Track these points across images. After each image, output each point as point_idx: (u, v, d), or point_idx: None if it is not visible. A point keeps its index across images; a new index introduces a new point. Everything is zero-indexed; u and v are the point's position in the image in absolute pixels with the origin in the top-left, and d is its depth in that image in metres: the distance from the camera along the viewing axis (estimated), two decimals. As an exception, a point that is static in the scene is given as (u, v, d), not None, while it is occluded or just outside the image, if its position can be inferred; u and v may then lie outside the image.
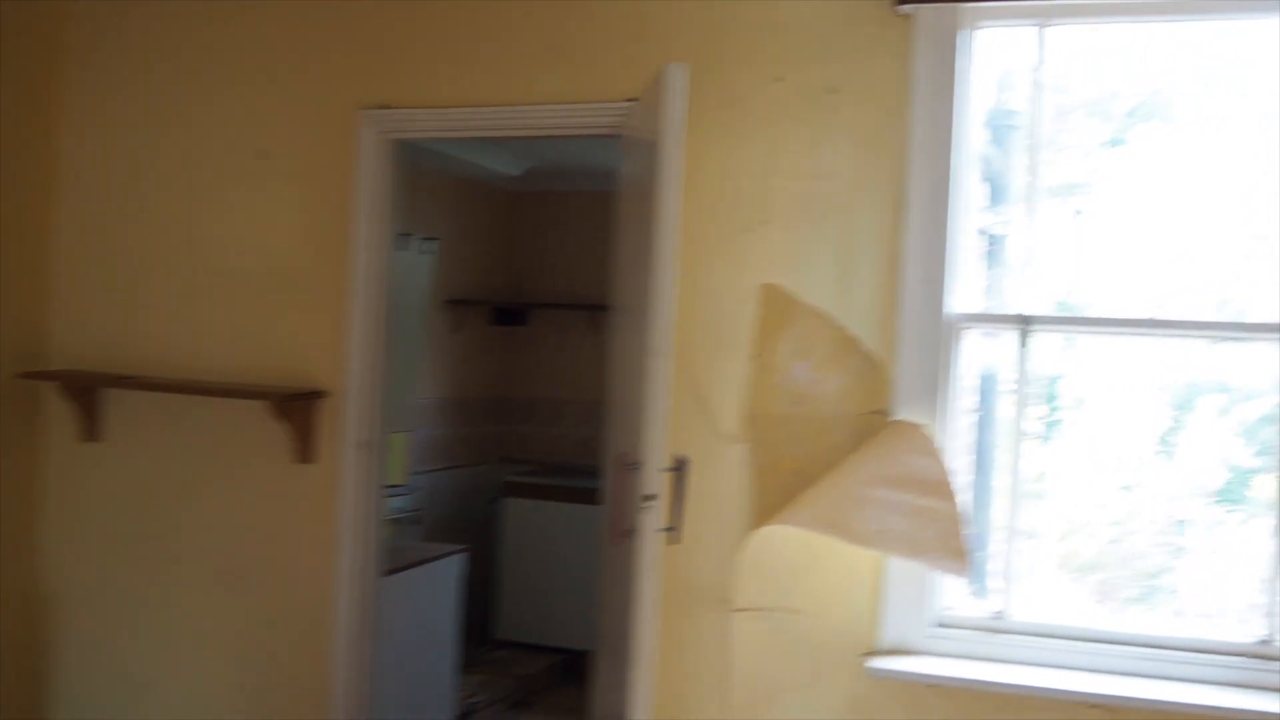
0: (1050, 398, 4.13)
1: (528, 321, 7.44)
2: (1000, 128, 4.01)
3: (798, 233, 3.93)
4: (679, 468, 3.42)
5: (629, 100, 4.04)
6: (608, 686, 3.88)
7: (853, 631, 3.85)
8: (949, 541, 3.53)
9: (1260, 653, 3.59)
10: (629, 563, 3.34)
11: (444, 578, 5.45)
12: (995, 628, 3.79)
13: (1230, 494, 4.66)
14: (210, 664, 4.66)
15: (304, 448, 4.43)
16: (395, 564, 4.90)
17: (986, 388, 3.99)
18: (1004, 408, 4.14)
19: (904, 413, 3.79)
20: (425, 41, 4.36)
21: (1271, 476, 3.83)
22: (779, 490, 3.89)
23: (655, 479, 3.28)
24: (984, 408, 4.00)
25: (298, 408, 4.40)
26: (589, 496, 6.62)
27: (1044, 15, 3.77)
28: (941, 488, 3.61)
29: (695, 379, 3.96)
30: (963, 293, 3.84)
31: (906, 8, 3.76)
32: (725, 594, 3.95)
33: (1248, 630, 3.68)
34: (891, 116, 3.83)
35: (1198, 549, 4.31)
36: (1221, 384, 4.29)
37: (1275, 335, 3.63)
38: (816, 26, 3.90)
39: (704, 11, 4.01)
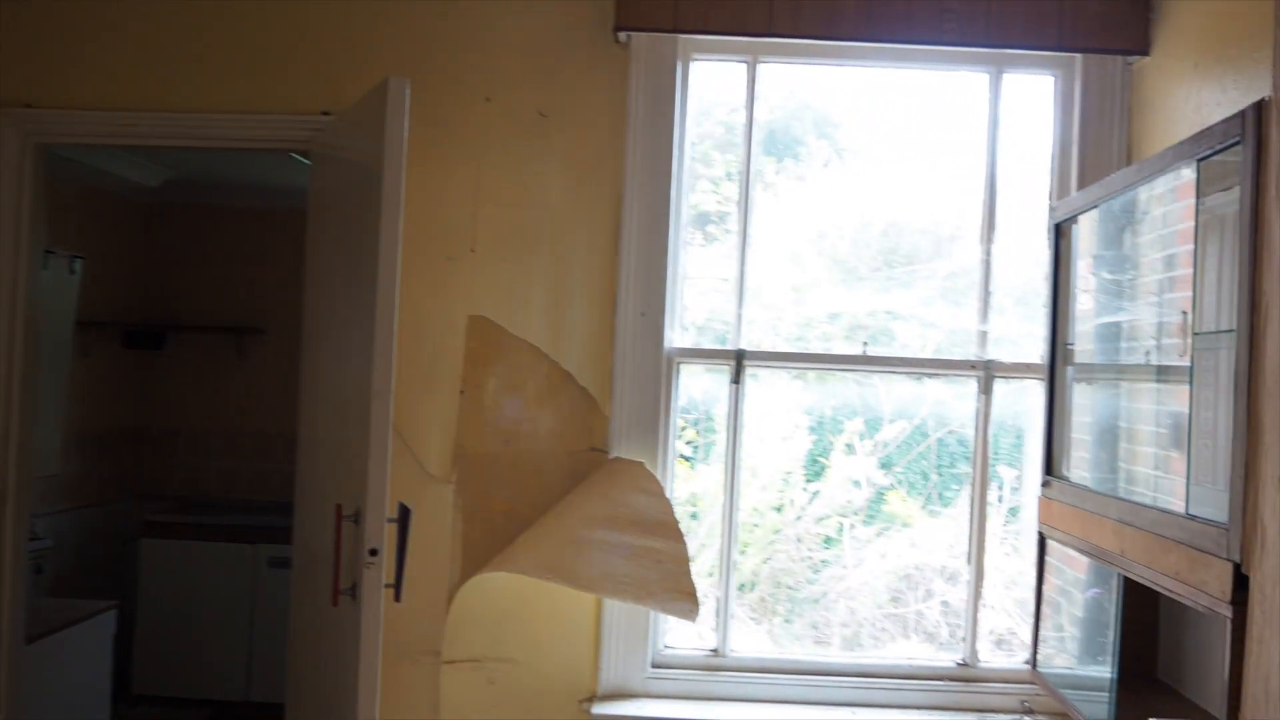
0: (708, 423, 4.16)
1: (166, 345, 6.78)
2: (697, 161, 3.99)
3: (508, 262, 3.75)
4: (401, 518, 3.14)
5: (323, 114, 3.73)
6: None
7: (571, 677, 3.71)
8: (677, 583, 3.45)
9: (960, 675, 3.75)
10: (348, 623, 3.03)
11: (93, 639, 4.83)
12: (713, 665, 3.76)
13: (873, 511, 4.93)
14: None
15: (-77, 500, 3.79)
16: (35, 629, 4.27)
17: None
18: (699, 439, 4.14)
19: (622, 450, 3.69)
20: (81, 34, 3.83)
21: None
22: (490, 534, 3.69)
23: (379, 531, 2.99)
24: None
25: (-85, 454, 3.76)
26: (238, 534, 6.13)
27: (756, 52, 3.79)
28: (666, 527, 3.53)
29: (398, 416, 3.67)
30: (680, 327, 3.78)
31: (624, 35, 3.67)
32: (435, 645, 3.70)
33: (948, 655, 3.83)
34: (607, 145, 3.73)
35: (847, 566, 4.49)
36: (877, 411, 4.52)
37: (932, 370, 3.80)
38: (529, 48, 3.75)
39: (407, 25, 3.76)
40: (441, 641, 3.70)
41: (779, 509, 4.88)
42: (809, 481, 5.08)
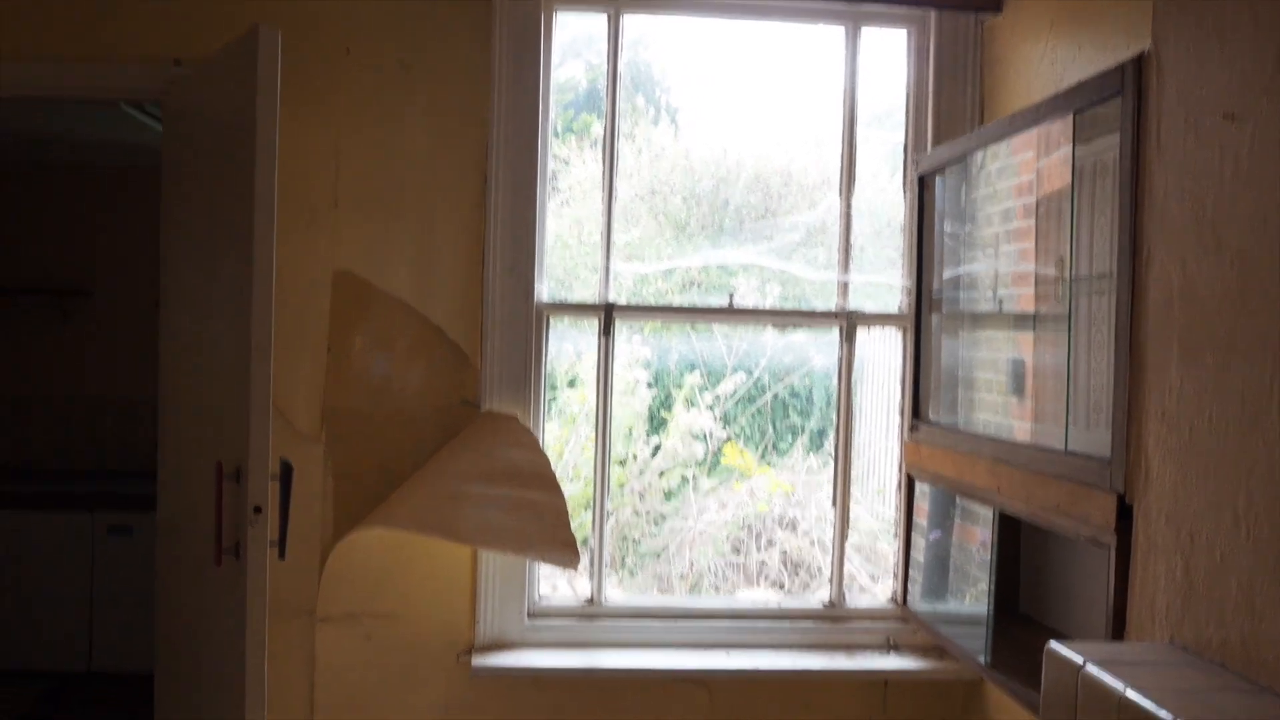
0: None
1: (-19, 309, 6.42)
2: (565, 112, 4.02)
3: (373, 217, 3.69)
4: (284, 475, 3.09)
5: (175, 63, 3.59)
6: (180, 713, 3.48)
7: (448, 630, 3.71)
8: (557, 534, 3.48)
9: (828, 615, 3.88)
10: (232, 582, 2.98)
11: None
12: (589, 613, 3.81)
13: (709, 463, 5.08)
14: None
15: None
16: None
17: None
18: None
19: (494, 404, 3.69)
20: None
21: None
22: (361, 491, 3.66)
23: (262, 488, 2.94)
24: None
25: None
26: (73, 502, 5.89)
27: (619, 3, 3.79)
28: (544, 479, 3.56)
29: (263, 374, 3.60)
30: (549, 280, 3.80)
31: (486, -15, 3.64)
32: (308, 604, 3.66)
33: (818, 595, 3.97)
34: (471, 98, 3.70)
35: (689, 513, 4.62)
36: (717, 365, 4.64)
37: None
38: (388, -3, 3.68)
39: (262, -29, 3.65)
40: (315, 600, 3.66)
41: (622, 463, 4.96)
42: (650, 435, 5.18)
